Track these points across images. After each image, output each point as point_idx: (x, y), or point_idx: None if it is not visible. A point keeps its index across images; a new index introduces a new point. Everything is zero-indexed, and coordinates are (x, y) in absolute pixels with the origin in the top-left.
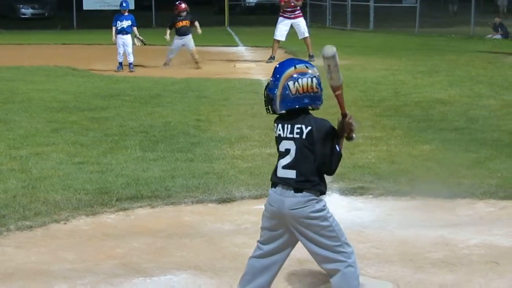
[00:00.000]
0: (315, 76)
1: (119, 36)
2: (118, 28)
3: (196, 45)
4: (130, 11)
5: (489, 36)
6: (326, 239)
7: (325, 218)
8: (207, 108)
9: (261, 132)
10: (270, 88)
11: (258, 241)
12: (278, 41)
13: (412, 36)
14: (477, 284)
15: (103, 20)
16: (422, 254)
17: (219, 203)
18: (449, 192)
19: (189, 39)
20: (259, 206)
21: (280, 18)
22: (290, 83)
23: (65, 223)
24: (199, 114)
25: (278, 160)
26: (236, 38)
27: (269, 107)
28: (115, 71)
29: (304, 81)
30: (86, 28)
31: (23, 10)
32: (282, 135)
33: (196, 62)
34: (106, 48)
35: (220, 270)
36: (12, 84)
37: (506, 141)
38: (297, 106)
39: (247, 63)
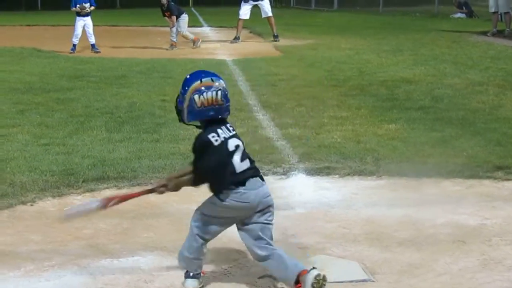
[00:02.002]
0: (220, 89)
1: (79, 17)
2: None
3: (160, 25)
4: None
5: (453, 15)
6: (271, 225)
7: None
8: (173, 89)
9: None
10: (179, 100)
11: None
12: (243, 20)
13: (377, 15)
14: (444, 263)
15: (67, 1)
16: (388, 234)
17: None
18: (415, 171)
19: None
20: None
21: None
22: (196, 97)
23: (31, 205)
24: (164, 94)
25: (230, 159)
26: (200, 19)
27: (181, 119)
28: (70, 53)
29: (209, 94)
30: (51, 9)
31: None
32: (226, 137)
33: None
34: (70, 29)
35: None
36: None
37: (471, 120)
38: (203, 119)
39: (212, 43)
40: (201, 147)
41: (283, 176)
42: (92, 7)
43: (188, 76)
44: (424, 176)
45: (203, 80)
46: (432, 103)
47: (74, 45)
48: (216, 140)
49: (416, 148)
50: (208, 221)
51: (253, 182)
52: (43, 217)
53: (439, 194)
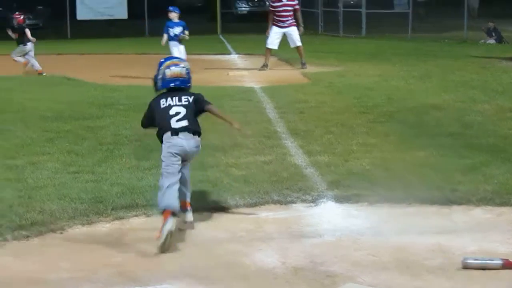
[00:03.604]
0: (185, 67)
1: (173, 42)
2: (171, 35)
3: (188, 53)
4: (122, 19)
5: (483, 41)
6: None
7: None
8: (201, 116)
9: (255, 140)
10: (155, 75)
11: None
12: (270, 49)
13: (405, 42)
14: None
15: (96, 30)
16: (418, 261)
17: (214, 211)
18: (445, 199)
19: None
20: (254, 214)
21: (273, 27)
22: (167, 71)
23: (61, 233)
24: None
25: (168, 119)
26: (229, 46)
27: (155, 87)
28: None
29: (177, 69)
30: (80, 37)
31: None
32: (172, 104)
33: None
34: (100, 57)
35: (216, 278)
36: (7, 93)
37: (501, 146)
38: (171, 85)
39: (240, 71)
40: (150, 105)
41: (311, 204)
42: (187, 32)
43: (162, 59)
44: (454, 203)
45: (172, 60)
46: (462, 130)
47: None
48: (163, 104)
49: (445, 175)
50: (164, 161)
51: (186, 134)
52: (73, 244)
53: (470, 221)
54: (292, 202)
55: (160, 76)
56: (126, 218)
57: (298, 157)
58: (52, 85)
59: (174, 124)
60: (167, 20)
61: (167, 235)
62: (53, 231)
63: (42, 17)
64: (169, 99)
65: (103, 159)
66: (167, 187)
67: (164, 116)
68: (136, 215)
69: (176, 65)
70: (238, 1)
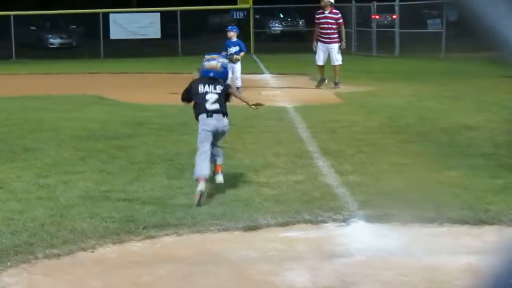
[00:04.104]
0: (221, 63)
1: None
2: (231, 51)
3: None
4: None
5: None
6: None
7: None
8: (233, 136)
9: (286, 159)
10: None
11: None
12: (321, 65)
13: (438, 61)
14: None
15: (129, 49)
16: (449, 282)
17: (245, 230)
18: (477, 219)
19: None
20: (285, 234)
21: (318, 43)
22: (206, 63)
23: (92, 251)
24: (224, 141)
25: (204, 102)
26: (261, 66)
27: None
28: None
29: (213, 63)
30: (113, 57)
31: (51, 40)
32: (208, 91)
33: None
34: (132, 77)
35: None
36: (40, 113)
37: None
38: (210, 75)
39: (273, 90)
40: (191, 85)
41: (343, 223)
42: (242, 53)
43: (206, 55)
44: (486, 223)
45: (212, 55)
46: (494, 150)
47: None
48: (201, 90)
49: (478, 195)
50: (199, 136)
51: (217, 115)
52: (104, 263)
53: (502, 242)
54: (323, 221)
55: (201, 67)
56: (157, 237)
57: (330, 177)
58: (84, 104)
59: (209, 106)
60: (226, 39)
61: (200, 194)
62: (84, 250)
63: (75, 36)
64: (206, 86)
65: (135, 178)
66: (200, 159)
67: (202, 99)
68: (167, 234)
69: (213, 59)
70: (271, 21)
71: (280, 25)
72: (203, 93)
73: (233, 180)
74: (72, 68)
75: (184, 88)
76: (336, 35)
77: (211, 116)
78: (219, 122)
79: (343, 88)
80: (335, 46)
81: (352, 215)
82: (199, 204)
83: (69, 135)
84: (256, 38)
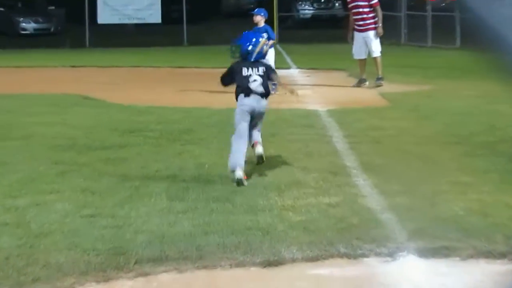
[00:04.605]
0: (266, 44)
1: None
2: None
3: None
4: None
5: None
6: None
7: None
8: (249, 147)
9: (317, 176)
10: (232, 45)
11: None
12: (361, 59)
13: None
14: None
15: (122, 37)
16: None
17: (265, 266)
18: None
19: None
20: (316, 271)
21: (354, 33)
22: (244, 47)
23: None
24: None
25: (247, 83)
26: (288, 59)
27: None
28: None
29: (252, 47)
30: (102, 46)
31: (24, 24)
32: (252, 73)
33: None
34: (126, 72)
35: None
36: (9, 116)
37: None
38: (251, 60)
39: (301, 89)
40: (232, 68)
41: (388, 258)
42: (271, 41)
43: (245, 32)
44: None
45: (247, 40)
46: None
47: None
48: (245, 73)
49: None
50: (236, 117)
51: (257, 96)
52: None
53: None
54: (364, 255)
55: (239, 48)
56: (153, 274)
57: (372, 199)
58: (65, 105)
59: (252, 86)
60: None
61: (237, 182)
62: None
63: (54, 20)
64: (249, 69)
65: (126, 199)
66: (237, 148)
67: (246, 81)
68: (165, 271)
69: (251, 43)
70: (300, 3)
71: (311, 8)
72: (247, 75)
73: (250, 202)
74: (50, 60)
75: (224, 72)
76: (372, 20)
77: (249, 95)
78: (257, 102)
79: (390, 87)
80: (370, 34)
81: (401, 248)
82: (241, 182)
83: (44, 144)
84: (281, 24)
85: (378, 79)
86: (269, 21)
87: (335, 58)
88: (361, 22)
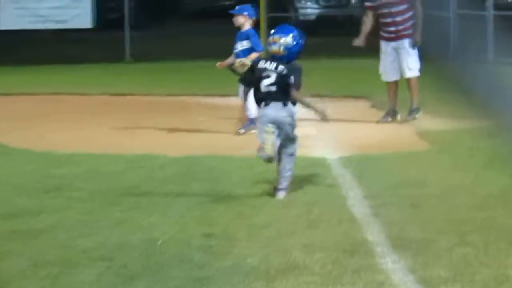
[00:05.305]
0: (283, 45)
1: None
2: (236, 52)
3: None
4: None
5: None
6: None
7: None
8: (226, 214)
9: (324, 256)
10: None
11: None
12: (391, 82)
13: None
14: None
15: (35, 49)
16: None
17: None
18: None
19: None
20: None
21: (381, 43)
22: (269, 47)
23: None
24: (210, 224)
25: (260, 82)
26: None
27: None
28: (239, 133)
29: (274, 47)
30: (2, 64)
31: None
32: (268, 68)
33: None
34: (42, 101)
35: None
36: None
37: None
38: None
39: (302, 126)
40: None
41: None
42: (254, 54)
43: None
44: None
45: (273, 37)
46: None
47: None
48: (265, 64)
49: None
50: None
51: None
52: None
53: None
54: None
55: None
56: None
57: None
58: None
59: (263, 85)
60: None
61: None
62: None
63: None
64: (267, 62)
65: None
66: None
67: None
68: None
69: (274, 43)
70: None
71: (315, 6)
72: (261, 68)
73: None
74: None
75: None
76: (409, 23)
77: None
78: (276, 112)
79: (433, 123)
80: (406, 44)
81: None
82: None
83: None
84: (272, 28)
85: (412, 111)
86: (255, 25)
87: (352, 80)
88: (392, 28)
